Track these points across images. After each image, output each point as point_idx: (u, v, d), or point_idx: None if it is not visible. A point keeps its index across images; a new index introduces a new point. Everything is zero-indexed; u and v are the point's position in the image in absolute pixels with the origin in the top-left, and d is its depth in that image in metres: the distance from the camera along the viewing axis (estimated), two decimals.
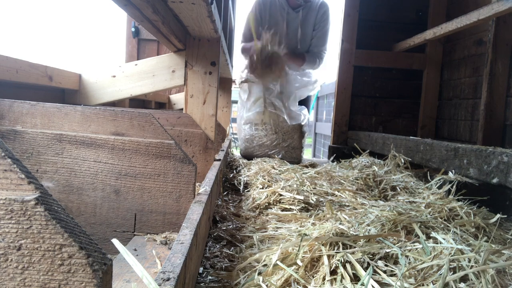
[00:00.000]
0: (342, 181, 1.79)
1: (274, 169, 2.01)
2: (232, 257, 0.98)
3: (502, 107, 2.28)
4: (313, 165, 2.38)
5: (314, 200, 1.45)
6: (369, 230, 1.06)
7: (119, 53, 3.61)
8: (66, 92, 1.95)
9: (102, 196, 1.05)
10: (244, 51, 3.01)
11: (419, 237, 0.99)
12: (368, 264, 0.82)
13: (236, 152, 2.89)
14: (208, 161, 1.75)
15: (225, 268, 0.92)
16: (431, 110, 3.25)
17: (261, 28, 2.94)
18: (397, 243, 0.95)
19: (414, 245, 0.94)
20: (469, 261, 0.82)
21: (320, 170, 2.01)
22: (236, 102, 3.36)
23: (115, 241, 0.52)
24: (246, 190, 1.74)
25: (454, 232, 1.07)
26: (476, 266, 0.80)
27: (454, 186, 1.44)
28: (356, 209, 1.37)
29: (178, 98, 3.66)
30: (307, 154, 5.82)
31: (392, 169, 1.99)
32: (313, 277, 0.79)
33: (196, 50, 1.91)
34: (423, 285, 0.76)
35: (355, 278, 0.78)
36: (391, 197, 1.61)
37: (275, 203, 1.45)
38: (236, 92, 3.47)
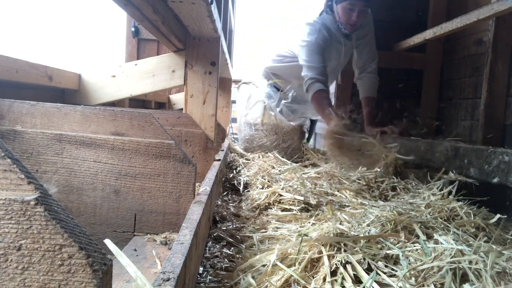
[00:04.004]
0: (343, 182, 1.79)
1: (274, 168, 2.01)
2: (232, 257, 0.98)
3: (502, 107, 2.28)
4: (313, 165, 2.38)
5: (314, 200, 1.45)
6: (369, 230, 1.06)
7: (119, 53, 3.61)
8: (66, 92, 1.95)
9: (102, 196, 1.05)
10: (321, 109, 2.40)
11: (419, 238, 0.99)
12: (369, 264, 0.82)
13: (237, 146, 2.88)
14: (208, 161, 1.75)
15: (225, 268, 0.92)
16: (431, 110, 3.25)
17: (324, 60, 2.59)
18: (397, 243, 0.95)
19: (414, 246, 0.94)
20: (470, 262, 0.82)
21: (321, 170, 2.01)
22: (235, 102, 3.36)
23: (107, 242, 0.51)
24: (246, 190, 1.74)
25: (454, 232, 1.07)
26: (477, 267, 0.80)
27: (455, 186, 1.44)
28: (356, 209, 1.37)
29: (178, 98, 3.66)
30: None
31: (392, 169, 1.99)
32: (313, 277, 0.79)
33: (196, 50, 1.91)
34: (423, 285, 0.76)
35: (356, 279, 0.78)
36: (391, 197, 1.61)
37: (275, 203, 1.45)
38: (236, 91, 3.47)
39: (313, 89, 2.42)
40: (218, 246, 1.06)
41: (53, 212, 0.41)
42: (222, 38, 2.12)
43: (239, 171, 2.08)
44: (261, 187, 1.64)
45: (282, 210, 1.40)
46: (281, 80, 3.01)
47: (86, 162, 1.03)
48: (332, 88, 3.66)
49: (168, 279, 0.52)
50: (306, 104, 2.99)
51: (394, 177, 1.87)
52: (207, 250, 1.03)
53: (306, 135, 2.99)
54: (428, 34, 2.64)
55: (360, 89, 2.80)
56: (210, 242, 1.09)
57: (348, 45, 2.74)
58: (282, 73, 3.01)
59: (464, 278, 0.79)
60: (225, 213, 1.35)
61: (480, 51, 2.65)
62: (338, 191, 1.61)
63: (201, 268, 0.91)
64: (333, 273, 0.79)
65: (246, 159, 2.41)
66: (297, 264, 0.81)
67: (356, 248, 0.86)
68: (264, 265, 0.86)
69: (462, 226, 1.14)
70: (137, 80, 2.01)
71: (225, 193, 1.71)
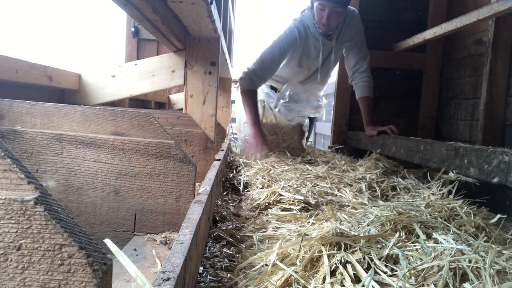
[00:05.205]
0: (343, 182, 1.79)
1: (275, 168, 2.00)
2: (232, 257, 0.98)
3: (502, 107, 2.28)
4: (311, 163, 2.38)
5: (314, 200, 1.45)
6: (369, 230, 1.06)
7: (119, 53, 3.61)
8: (66, 92, 1.95)
9: (102, 196, 1.05)
10: (248, 104, 2.54)
11: (419, 237, 0.99)
12: (369, 264, 0.82)
13: (236, 151, 2.88)
14: (208, 161, 1.75)
15: (225, 268, 0.92)
16: (431, 110, 3.25)
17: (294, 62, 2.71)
18: (397, 243, 0.95)
19: (414, 245, 0.94)
20: (470, 261, 0.82)
21: (319, 170, 2.01)
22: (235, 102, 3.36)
23: (107, 241, 0.51)
24: (246, 190, 1.74)
25: (454, 232, 1.07)
26: (477, 267, 0.80)
27: (455, 186, 1.44)
28: (356, 209, 1.37)
29: (178, 98, 3.66)
30: None
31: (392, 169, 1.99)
32: (313, 277, 0.79)
33: (196, 50, 1.91)
34: (423, 285, 0.76)
35: (355, 278, 0.78)
36: (391, 197, 1.61)
37: (275, 203, 1.45)
38: (236, 91, 3.46)
39: (245, 85, 2.56)
40: (218, 246, 1.06)
41: (53, 211, 0.41)
42: (222, 38, 2.12)
43: (239, 171, 2.08)
44: (261, 186, 1.64)
45: (282, 210, 1.40)
46: (276, 80, 3.00)
47: (86, 162, 1.03)
48: (332, 88, 3.65)
49: (168, 279, 0.52)
50: (303, 102, 2.99)
51: (394, 177, 1.88)
52: (207, 250, 1.03)
53: (306, 135, 2.99)
54: (428, 34, 2.64)
55: (355, 90, 2.79)
56: (210, 242, 1.09)
57: (328, 44, 2.71)
58: (278, 72, 3.01)
59: (464, 278, 0.79)
60: (225, 212, 1.35)
61: (480, 51, 2.65)
62: (338, 191, 1.61)
63: (201, 268, 0.91)
64: (333, 272, 0.79)
65: (246, 159, 2.40)
66: (297, 263, 0.81)
67: (356, 248, 0.86)
68: (264, 265, 0.86)
69: (462, 225, 1.14)
70: (137, 80, 2.01)
71: (225, 192, 1.71)
